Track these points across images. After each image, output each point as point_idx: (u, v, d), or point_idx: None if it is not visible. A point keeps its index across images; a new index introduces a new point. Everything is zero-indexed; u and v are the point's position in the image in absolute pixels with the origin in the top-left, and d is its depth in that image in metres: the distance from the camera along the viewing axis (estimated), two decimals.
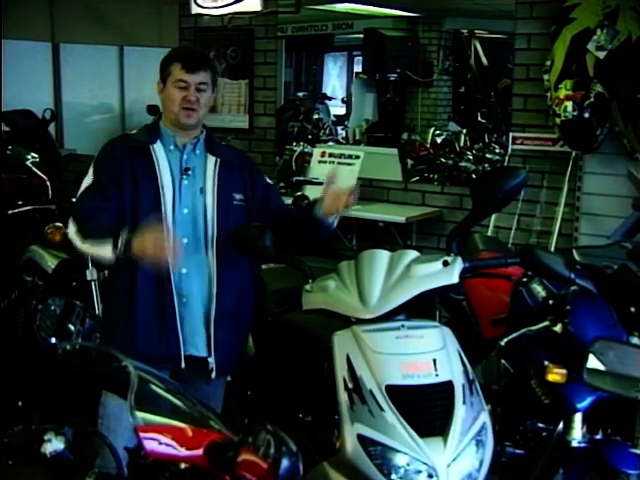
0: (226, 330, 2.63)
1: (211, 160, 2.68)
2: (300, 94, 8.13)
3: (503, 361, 2.72)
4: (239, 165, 2.74)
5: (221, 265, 2.62)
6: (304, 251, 2.91)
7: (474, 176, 5.48)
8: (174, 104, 2.61)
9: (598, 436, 2.54)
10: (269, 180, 2.87)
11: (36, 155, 5.14)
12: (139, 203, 2.57)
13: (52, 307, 4.03)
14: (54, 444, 1.46)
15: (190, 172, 2.64)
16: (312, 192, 4.60)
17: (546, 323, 2.59)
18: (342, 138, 7.17)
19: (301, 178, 5.06)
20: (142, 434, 1.32)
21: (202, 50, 2.96)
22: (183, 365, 2.59)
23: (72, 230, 2.59)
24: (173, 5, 6.02)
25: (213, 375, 2.65)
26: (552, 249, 4.20)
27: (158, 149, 2.64)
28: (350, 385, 2.21)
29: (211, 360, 2.63)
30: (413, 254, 2.47)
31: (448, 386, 2.21)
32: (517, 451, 2.74)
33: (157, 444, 1.32)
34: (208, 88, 2.65)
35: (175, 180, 2.62)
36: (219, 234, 2.62)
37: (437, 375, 2.21)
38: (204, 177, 2.65)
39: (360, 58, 7.80)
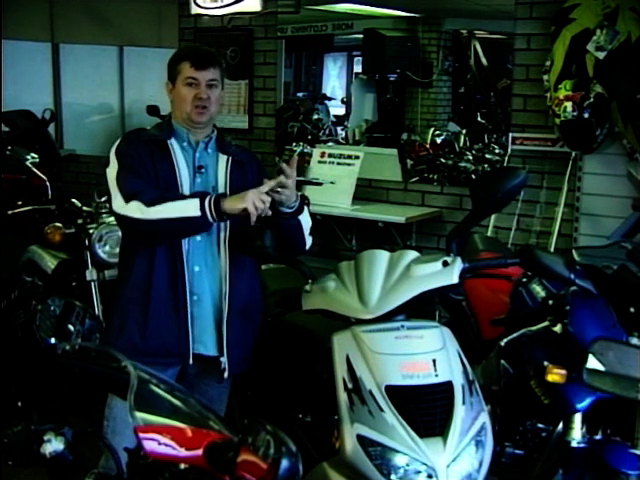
0: (238, 329, 2.63)
1: (223, 159, 2.68)
2: (300, 94, 8.12)
3: (503, 361, 2.73)
4: (249, 165, 2.74)
5: (232, 264, 2.63)
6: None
7: (474, 176, 5.47)
8: (186, 102, 2.60)
9: (598, 436, 2.54)
10: None
11: (36, 155, 5.15)
12: None
13: (52, 307, 3.99)
14: (54, 444, 1.45)
15: (203, 170, 2.64)
16: (312, 192, 4.60)
17: (546, 323, 2.60)
18: (342, 138, 7.16)
19: (301, 178, 5.04)
20: (142, 434, 1.32)
21: (209, 48, 2.94)
22: (191, 361, 2.59)
23: (120, 204, 2.50)
24: (173, 5, 6.02)
25: (225, 375, 2.64)
26: (552, 249, 4.20)
27: (174, 145, 2.63)
28: (350, 385, 2.21)
29: (223, 360, 2.62)
30: (413, 254, 2.47)
31: (448, 386, 2.21)
32: (517, 451, 2.74)
33: (157, 444, 1.32)
34: (218, 85, 2.65)
35: (190, 177, 2.62)
36: (231, 233, 2.61)
37: (437, 375, 2.21)
38: (216, 175, 2.65)
39: (360, 58, 7.79)
